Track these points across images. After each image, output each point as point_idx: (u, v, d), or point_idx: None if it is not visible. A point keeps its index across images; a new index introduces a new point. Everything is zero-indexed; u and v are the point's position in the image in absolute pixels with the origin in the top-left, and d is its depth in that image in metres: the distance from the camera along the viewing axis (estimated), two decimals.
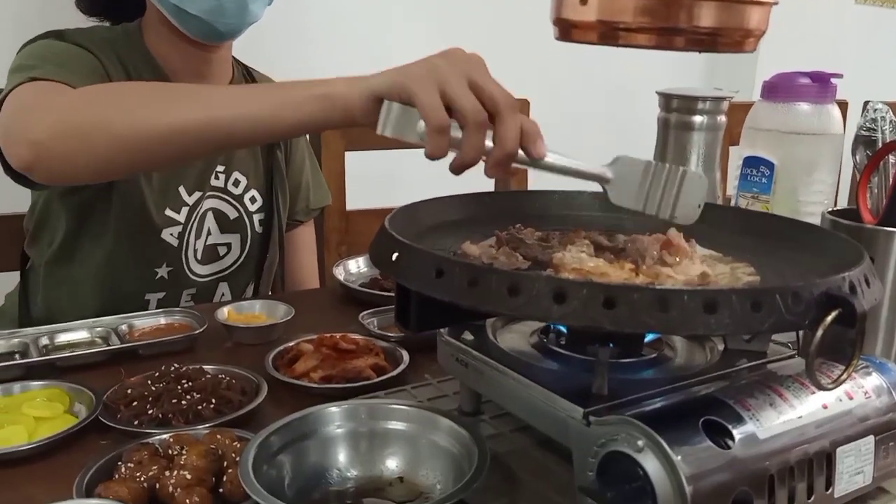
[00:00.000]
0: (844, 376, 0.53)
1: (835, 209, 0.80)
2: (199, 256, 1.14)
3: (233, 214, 1.17)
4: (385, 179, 1.90)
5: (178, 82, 1.06)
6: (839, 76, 0.99)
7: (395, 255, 0.59)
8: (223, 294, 1.19)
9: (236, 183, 1.17)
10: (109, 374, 0.81)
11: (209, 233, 1.15)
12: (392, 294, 0.72)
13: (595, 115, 2.67)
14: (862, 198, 0.79)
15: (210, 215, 1.14)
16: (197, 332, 0.89)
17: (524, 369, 0.63)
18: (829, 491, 0.57)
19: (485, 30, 2.49)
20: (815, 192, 1.01)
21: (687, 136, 1.06)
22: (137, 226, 1.06)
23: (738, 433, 0.53)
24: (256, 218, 1.19)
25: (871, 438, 0.59)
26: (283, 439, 0.59)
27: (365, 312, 0.96)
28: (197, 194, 1.11)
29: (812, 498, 0.56)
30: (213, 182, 1.14)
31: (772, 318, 0.50)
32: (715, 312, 0.50)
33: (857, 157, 0.82)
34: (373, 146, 1.50)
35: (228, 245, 1.18)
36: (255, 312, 0.95)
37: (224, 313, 0.93)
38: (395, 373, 0.81)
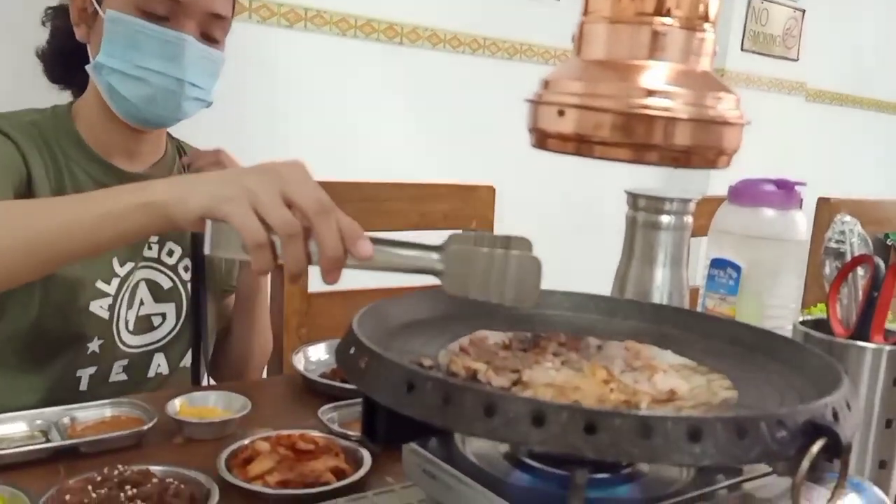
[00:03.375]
0: None
1: (806, 319, 0.80)
2: (130, 327, 1.11)
3: (167, 284, 1.15)
4: None
5: (109, 160, 1.08)
6: (803, 184, 1.01)
7: (363, 363, 0.57)
8: (159, 365, 1.16)
9: (170, 253, 1.15)
10: (48, 473, 0.76)
11: (142, 303, 1.12)
12: (353, 386, 0.69)
13: (564, 198, 2.71)
14: (832, 310, 0.79)
15: (143, 285, 1.12)
16: (145, 427, 0.83)
17: (495, 485, 0.59)
18: None
19: (452, 108, 2.55)
20: (779, 296, 1.02)
21: (654, 234, 1.07)
22: (64, 299, 1.03)
23: None
24: (189, 287, 1.17)
25: None
26: None
27: (325, 407, 0.91)
28: (129, 265, 1.09)
29: None
30: (146, 252, 1.12)
31: (757, 448, 0.48)
32: (699, 441, 0.48)
33: (827, 269, 0.82)
34: None
35: (163, 315, 1.15)
36: (208, 406, 0.91)
37: (175, 406, 0.88)
38: (355, 477, 0.77)
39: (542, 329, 0.79)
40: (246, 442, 0.81)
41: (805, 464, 0.49)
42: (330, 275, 0.67)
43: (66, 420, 0.84)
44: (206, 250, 0.68)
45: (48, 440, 0.81)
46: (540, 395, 0.56)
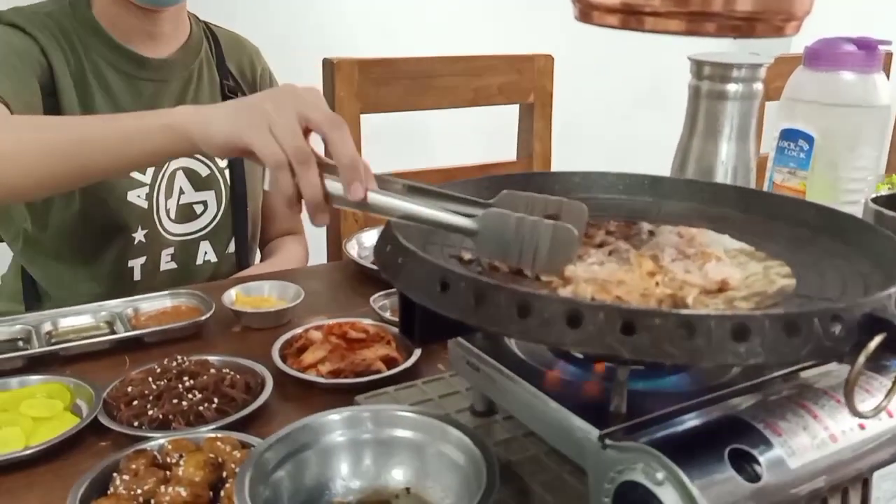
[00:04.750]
0: (885, 403, 0.49)
1: (879, 195, 0.74)
2: (172, 216, 1.13)
3: (204, 172, 1.16)
4: (405, 141, 1.85)
5: (128, 47, 1.08)
6: (887, 43, 0.91)
7: (399, 261, 0.55)
8: (206, 252, 1.19)
9: None
10: (114, 364, 0.79)
11: (182, 192, 1.14)
12: None
13: (624, 70, 2.57)
14: None
15: (181, 174, 1.14)
16: (203, 318, 0.86)
17: (538, 379, 0.59)
18: None
19: None
20: (857, 168, 0.95)
21: (720, 105, 1.00)
22: (103, 190, 1.05)
23: (767, 463, 0.49)
24: (227, 174, 1.18)
25: None
26: (281, 452, 0.56)
27: (377, 295, 0.92)
28: None
29: None
30: None
31: (808, 346, 0.46)
32: (745, 340, 0.45)
33: None
34: (391, 108, 1.45)
35: (204, 203, 1.17)
36: (263, 295, 0.93)
37: (232, 296, 0.91)
38: (406, 365, 0.78)
39: (594, 214, 0.76)
40: (299, 331, 0.82)
41: (861, 359, 0.46)
42: (353, 185, 0.65)
43: (129, 311, 0.87)
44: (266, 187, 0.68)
45: (113, 331, 0.84)
46: (580, 291, 0.54)
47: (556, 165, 1.69)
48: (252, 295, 0.92)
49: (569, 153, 1.81)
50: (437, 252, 0.63)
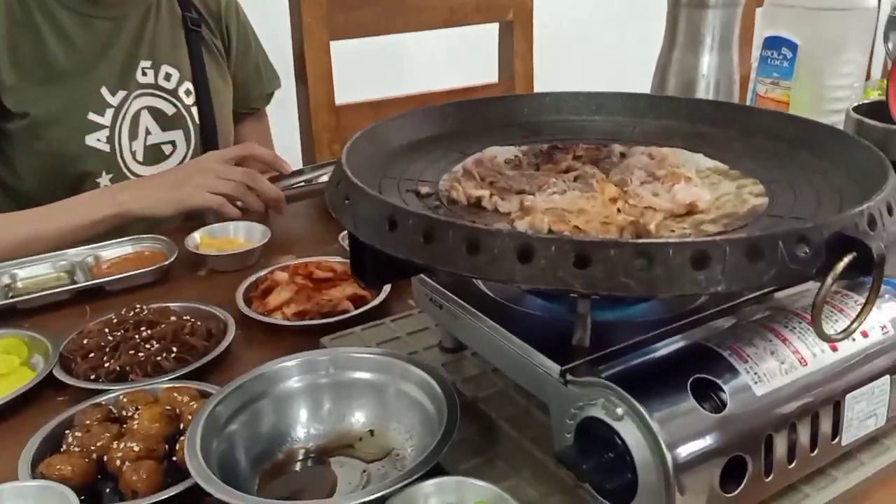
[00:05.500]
0: (855, 325, 0.46)
1: (861, 104, 0.71)
2: (139, 157, 1.10)
3: (170, 110, 1.12)
4: (377, 67, 1.79)
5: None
6: None
7: (347, 199, 0.52)
8: None
9: (167, 77, 1.12)
10: (74, 314, 0.77)
11: (148, 132, 1.10)
12: None
13: None
14: (893, 90, 0.69)
15: (145, 114, 1.10)
16: (166, 263, 0.83)
17: (502, 315, 0.57)
18: (836, 440, 0.52)
19: None
20: (843, 75, 0.90)
21: (700, 14, 0.95)
22: (59, 138, 1.02)
23: (732, 391, 0.47)
24: (195, 111, 1.14)
25: (886, 379, 0.53)
26: (234, 404, 0.54)
27: (345, 232, 0.89)
28: (122, 93, 1.07)
29: (816, 451, 0.51)
30: (141, 79, 1.09)
31: (772, 270, 0.43)
32: (706, 267, 0.42)
33: (890, 44, 0.71)
34: (360, 33, 1.39)
35: (173, 142, 1.14)
36: (229, 237, 0.90)
37: (196, 239, 0.88)
38: (374, 303, 0.76)
39: (563, 138, 0.72)
40: (264, 273, 0.80)
41: (828, 281, 0.43)
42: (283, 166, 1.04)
43: (89, 259, 0.85)
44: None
45: (74, 281, 0.82)
46: (537, 223, 0.51)
47: (540, 86, 1.63)
48: (217, 237, 0.89)
49: (553, 72, 1.75)
50: (393, 187, 0.60)
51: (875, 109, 0.70)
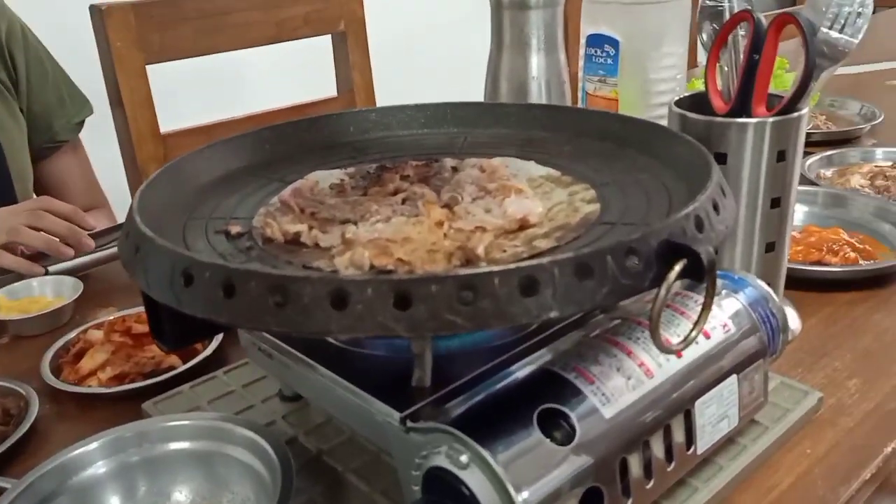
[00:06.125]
0: (694, 333, 0.44)
1: (682, 97, 0.71)
2: None
3: None
4: (208, 89, 1.69)
5: None
6: None
7: (137, 252, 0.46)
8: None
9: None
10: None
11: None
12: None
13: None
14: (711, 80, 0.70)
15: None
16: None
17: (335, 360, 0.52)
18: (692, 450, 0.50)
19: None
20: (665, 67, 0.91)
21: (523, 16, 0.93)
22: None
23: (580, 418, 0.44)
24: None
25: (733, 379, 0.53)
26: None
27: None
28: None
29: (672, 464, 0.49)
30: None
31: (605, 288, 0.40)
32: (535, 293, 0.39)
33: (704, 34, 0.71)
34: (179, 54, 1.30)
35: None
36: (33, 296, 0.79)
37: None
38: (206, 353, 0.69)
39: (392, 156, 0.68)
40: (73, 334, 0.71)
41: (662, 293, 0.41)
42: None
43: None
44: None
45: None
46: (357, 259, 0.46)
47: (382, 97, 1.59)
48: (20, 297, 0.79)
49: (394, 82, 1.72)
50: (200, 228, 0.54)
51: (698, 102, 0.70)
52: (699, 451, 0.51)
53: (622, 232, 0.49)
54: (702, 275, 0.42)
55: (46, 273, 0.83)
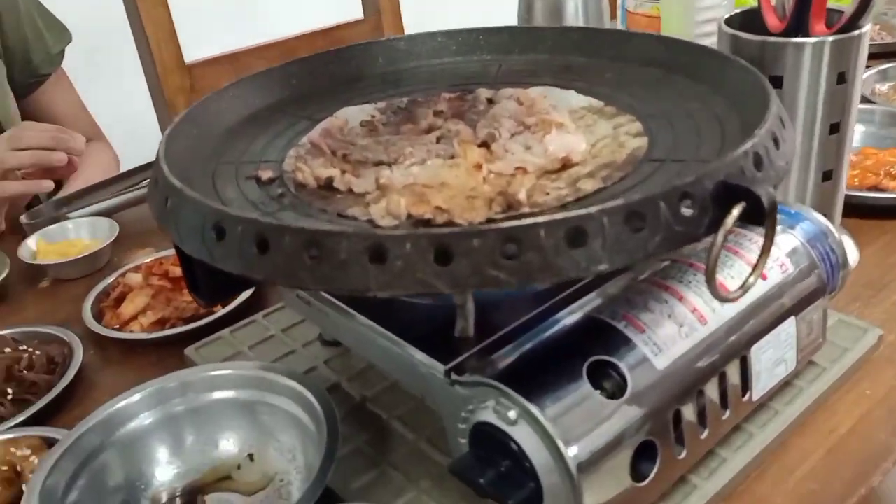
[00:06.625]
0: (752, 280, 0.42)
1: (734, 14, 0.66)
2: None
3: None
4: (228, 17, 1.64)
5: None
6: None
7: (168, 204, 0.44)
8: None
9: None
10: None
11: None
12: None
13: None
14: None
15: None
16: None
17: (376, 309, 0.50)
18: (747, 396, 0.49)
19: None
20: None
21: None
22: None
23: (631, 369, 0.43)
24: None
25: (791, 321, 0.50)
26: (69, 468, 0.46)
27: None
28: None
29: (727, 413, 0.47)
30: None
31: (658, 237, 0.38)
32: (584, 245, 0.37)
33: None
34: None
35: None
36: (69, 238, 0.79)
37: (31, 247, 0.77)
38: (244, 296, 0.68)
39: (424, 87, 0.65)
40: (113, 278, 0.71)
41: (719, 239, 0.38)
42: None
43: None
44: None
45: None
46: (393, 207, 0.44)
47: (409, 18, 1.54)
48: (56, 241, 0.78)
49: (424, 2, 1.65)
50: (230, 174, 0.52)
51: (750, 19, 0.65)
52: (755, 398, 0.49)
53: (672, 170, 0.46)
54: (762, 218, 0.39)
55: (59, 201, 0.81)
